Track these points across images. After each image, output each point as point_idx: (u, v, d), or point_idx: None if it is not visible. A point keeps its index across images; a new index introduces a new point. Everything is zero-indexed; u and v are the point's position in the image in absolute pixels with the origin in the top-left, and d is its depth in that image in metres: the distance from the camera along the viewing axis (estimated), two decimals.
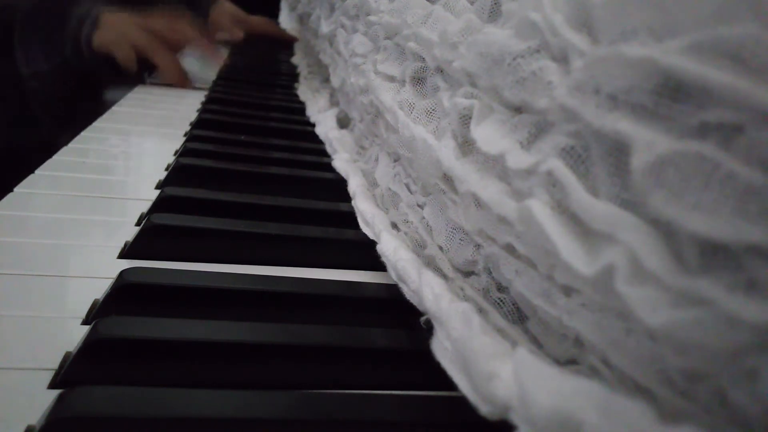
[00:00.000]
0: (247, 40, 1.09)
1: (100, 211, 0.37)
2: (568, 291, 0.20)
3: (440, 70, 0.31)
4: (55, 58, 0.70)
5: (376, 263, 0.32)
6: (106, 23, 0.69)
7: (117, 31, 0.69)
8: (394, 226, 0.35)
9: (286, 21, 1.34)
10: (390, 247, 0.31)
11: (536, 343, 0.22)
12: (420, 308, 0.26)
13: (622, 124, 0.16)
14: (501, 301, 0.24)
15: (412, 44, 0.34)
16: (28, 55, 0.70)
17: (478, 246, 0.26)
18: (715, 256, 0.14)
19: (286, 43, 1.10)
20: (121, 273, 0.28)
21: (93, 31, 0.69)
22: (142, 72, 0.73)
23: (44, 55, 0.70)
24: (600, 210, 0.16)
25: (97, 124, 0.56)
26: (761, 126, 0.13)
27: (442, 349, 0.22)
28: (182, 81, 0.74)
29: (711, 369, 0.14)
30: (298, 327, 0.26)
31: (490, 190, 0.23)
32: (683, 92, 0.15)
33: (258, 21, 1.11)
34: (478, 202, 0.24)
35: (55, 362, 0.23)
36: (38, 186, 0.40)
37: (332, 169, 0.46)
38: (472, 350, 0.19)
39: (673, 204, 0.14)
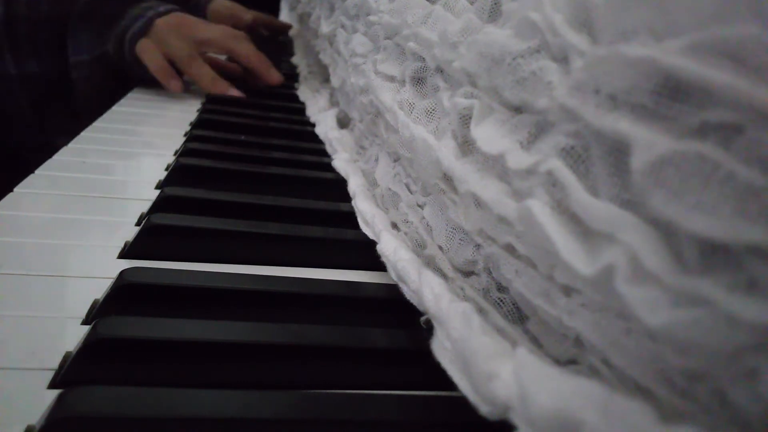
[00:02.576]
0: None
1: (100, 211, 0.37)
2: (568, 291, 0.20)
3: (440, 70, 0.31)
4: (97, 49, 0.70)
5: (376, 263, 0.32)
6: (157, 31, 0.68)
7: (161, 42, 0.67)
8: (394, 226, 0.35)
9: (285, 21, 1.34)
10: (390, 247, 0.31)
11: (536, 343, 0.22)
12: (420, 308, 0.26)
13: (622, 124, 0.16)
14: (501, 301, 0.24)
15: (412, 44, 0.34)
16: (77, 43, 0.70)
17: (478, 246, 0.26)
18: (715, 256, 0.14)
19: (283, 31, 1.12)
20: (121, 273, 0.28)
21: (141, 36, 0.67)
22: (174, 90, 0.69)
23: (91, 45, 0.70)
24: (600, 210, 0.16)
25: (97, 124, 0.56)
26: (761, 126, 0.13)
27: (442, 349, 0.22)
28: (224, 89, 0.69)
29: (711, 369, 0.14)
30: (298, 327, 0.26)
31: (490, 190, 0.23)
32: (683, 92, 0.15)
33: (256, 15, 1.12)
34: (478, 202, 0.24)
35: (55, 362, 0.23)
36: (38, 186, 0.40)
37: (332, 169, 0.46)
38: (472, 350, 0.19)
39: (673, 204, 0.14)
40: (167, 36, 0.67)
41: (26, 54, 0.72)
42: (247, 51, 0.71)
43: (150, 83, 0.70)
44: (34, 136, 0.77)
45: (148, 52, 0.67)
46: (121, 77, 0.72)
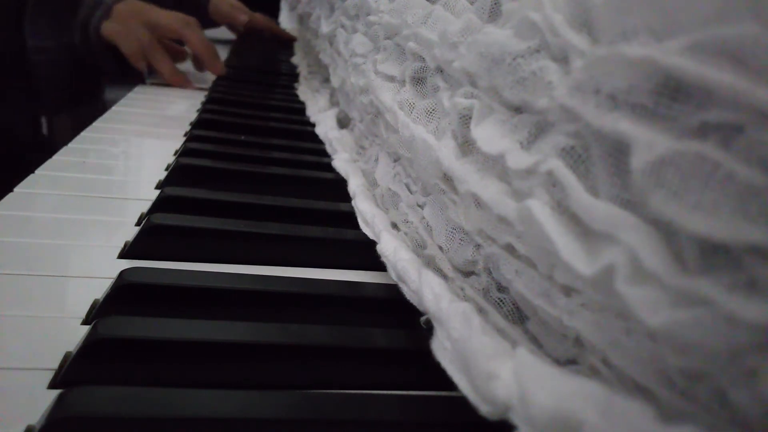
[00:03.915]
0: (248, 40, 1.10)
1: (100, 211, 0.37)
2: (568, 291, 0.20)
3: (440, 70, 0.31)
4: (63, 37, 0.75)
5: (376, 263, 0.32)
6: (118, 14, 0.73)
7: (125, 25, 0.72)
8: (394, 226, 0.35)
9: (286, 21, 1.34)
10: (390, 247, 0.31)
11: (536, 343, 0.22)
12: (420, 308, 0.26)
13: (622, 124, 0.16)
14: (501, 301, 0.24)
15: (412, 44, 0.34)
16: (35, 27, 0.74)
17: (478, 246, 0.26)
18: (715, 256, 0.14)
19: (287, 41, 1.13)
20: (121, 273, 0.28)
21: (104, 19, 0.72)
22: (141, 71, 0.75)
23: (51, 31, 0.75)
24: (600, 210, 0.16)
25: (97, 124, 0.56)
26: (761, 126, 0.13)
27: (442, 349, 0.22)
28: (181, 82, 0.76)
29: (711, 369, 0.14)
30: (298, 327, 0.26)
31: (491, 190, 0.23)
32: (683, 92, 0.15)
33: (259, 17, 1.16)
34: (478, 202, 0.24)
35: (55, 362, 0.23)
36: (38, 186, 0.40)
37: (332, 169, 0.46)
38: (472, 350, 0.19)
39: (673, 204, 0.14)
40: (128, 21, 0.73)
41: None
42: (196, 39, 0.77)
43: (114, 72, 0.75)
44: None
45: (119, 34, 0.72)
46: (88, 69, 0.77)
